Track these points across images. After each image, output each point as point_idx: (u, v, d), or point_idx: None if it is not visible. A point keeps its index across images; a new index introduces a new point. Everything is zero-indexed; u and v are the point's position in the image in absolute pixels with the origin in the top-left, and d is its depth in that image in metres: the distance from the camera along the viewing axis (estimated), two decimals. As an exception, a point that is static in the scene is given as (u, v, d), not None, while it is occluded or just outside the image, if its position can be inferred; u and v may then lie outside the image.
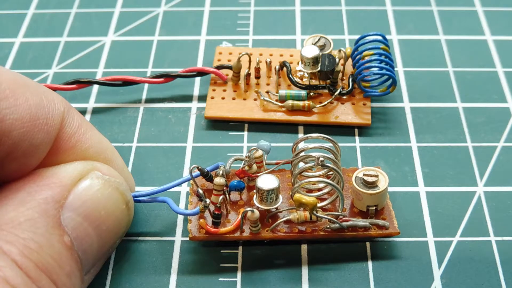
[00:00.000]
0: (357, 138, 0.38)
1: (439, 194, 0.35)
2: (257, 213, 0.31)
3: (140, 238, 0.33)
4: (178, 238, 0.33)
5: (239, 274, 0.32)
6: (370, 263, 0.32)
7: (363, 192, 0.32)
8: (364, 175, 0.32)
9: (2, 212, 0.26)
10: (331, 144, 0.33)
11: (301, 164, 0.33)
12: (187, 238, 0.33)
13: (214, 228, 0.32)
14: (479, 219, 0.34)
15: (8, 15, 0.47)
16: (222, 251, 0.33)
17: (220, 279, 0.32)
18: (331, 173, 0.33)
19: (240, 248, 0.33)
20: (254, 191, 0.32)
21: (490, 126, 0.39)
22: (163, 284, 0.32)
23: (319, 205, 0.32)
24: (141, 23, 0.46)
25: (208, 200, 0.31)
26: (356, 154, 0.37)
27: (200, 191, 0.32)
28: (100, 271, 0.31)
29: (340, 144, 0.34)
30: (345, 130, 0.38)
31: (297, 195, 0.31)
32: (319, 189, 0.34)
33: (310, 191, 0.34)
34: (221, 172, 0.32)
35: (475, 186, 0.35)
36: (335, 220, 0.31)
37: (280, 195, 0.32)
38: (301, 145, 0.34)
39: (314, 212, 0.31)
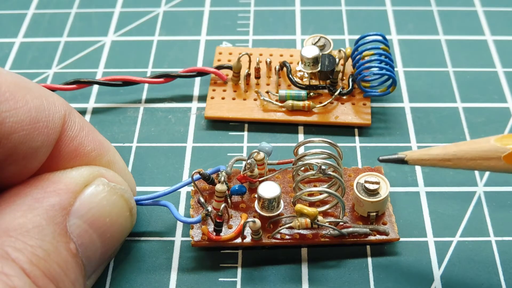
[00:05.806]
0: (357, 138, 0.38)
1: (439, 194, 0.35)
2: (258, 223, 0.31)
3: (140, 238, 0.33)
4: (178, 238, 0.33)
5: (239, 274, 0.32)
6: (370, 263, 0.32)
7: (364, 200, 0.32)
8: (366, 182, 0.32)
9: (9, 218, 0.26)
10: (331, 147, 0.33)
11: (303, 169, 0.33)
12: (188, 238, 0.33)
13: (216, 236, 0.32)
14: (479, 219, 0.34)
15: (8, 15, 0.47)
16: (222, 251, 0.33)
17: (220, 279, 0.32)
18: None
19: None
20: (256, 195, 0.32)
21: (490, 126, 0.39)
22: (163, 284, 0.32)
23: (320, 209, 0.32)
24: (141, 23, 0.46)
25: (210, 208, 0.31)
26: (356, 154, 0.37)
27: (202, 199, 0.32)
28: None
29: (340, 144, 0.34)
30: (345, 130, 0.38)
31: (298, 206, 0.31)
32: (321, 193, 0.33)
33: (311, 194, 0.33)
34: (222, 178, 0.32)
35: (475, 186, 0.35)
36: (335, 228, 0.31)
37: (281, 201, 0.32)
38: (303, 149, 0.34)
39: (315, 221, 0.31)
